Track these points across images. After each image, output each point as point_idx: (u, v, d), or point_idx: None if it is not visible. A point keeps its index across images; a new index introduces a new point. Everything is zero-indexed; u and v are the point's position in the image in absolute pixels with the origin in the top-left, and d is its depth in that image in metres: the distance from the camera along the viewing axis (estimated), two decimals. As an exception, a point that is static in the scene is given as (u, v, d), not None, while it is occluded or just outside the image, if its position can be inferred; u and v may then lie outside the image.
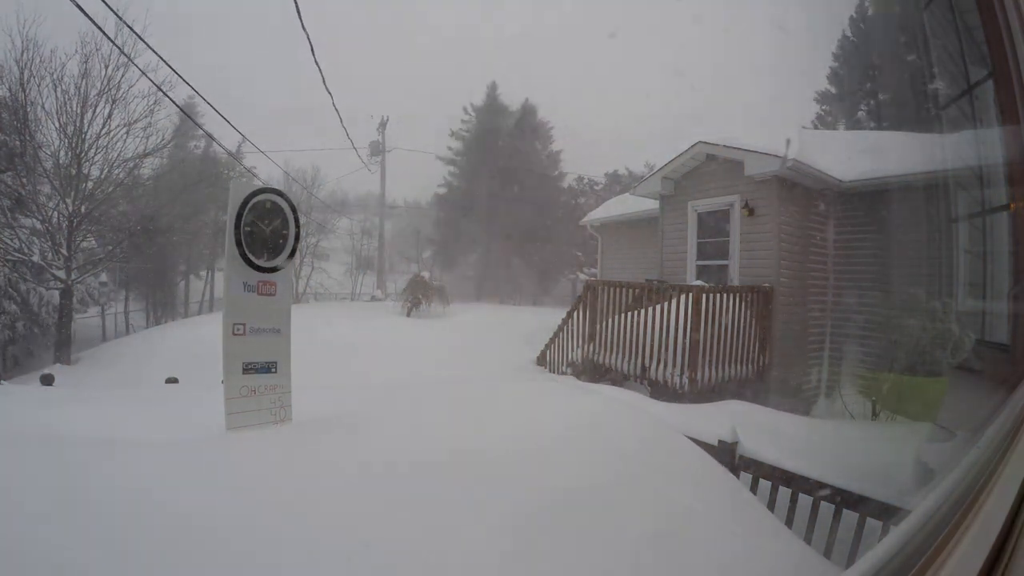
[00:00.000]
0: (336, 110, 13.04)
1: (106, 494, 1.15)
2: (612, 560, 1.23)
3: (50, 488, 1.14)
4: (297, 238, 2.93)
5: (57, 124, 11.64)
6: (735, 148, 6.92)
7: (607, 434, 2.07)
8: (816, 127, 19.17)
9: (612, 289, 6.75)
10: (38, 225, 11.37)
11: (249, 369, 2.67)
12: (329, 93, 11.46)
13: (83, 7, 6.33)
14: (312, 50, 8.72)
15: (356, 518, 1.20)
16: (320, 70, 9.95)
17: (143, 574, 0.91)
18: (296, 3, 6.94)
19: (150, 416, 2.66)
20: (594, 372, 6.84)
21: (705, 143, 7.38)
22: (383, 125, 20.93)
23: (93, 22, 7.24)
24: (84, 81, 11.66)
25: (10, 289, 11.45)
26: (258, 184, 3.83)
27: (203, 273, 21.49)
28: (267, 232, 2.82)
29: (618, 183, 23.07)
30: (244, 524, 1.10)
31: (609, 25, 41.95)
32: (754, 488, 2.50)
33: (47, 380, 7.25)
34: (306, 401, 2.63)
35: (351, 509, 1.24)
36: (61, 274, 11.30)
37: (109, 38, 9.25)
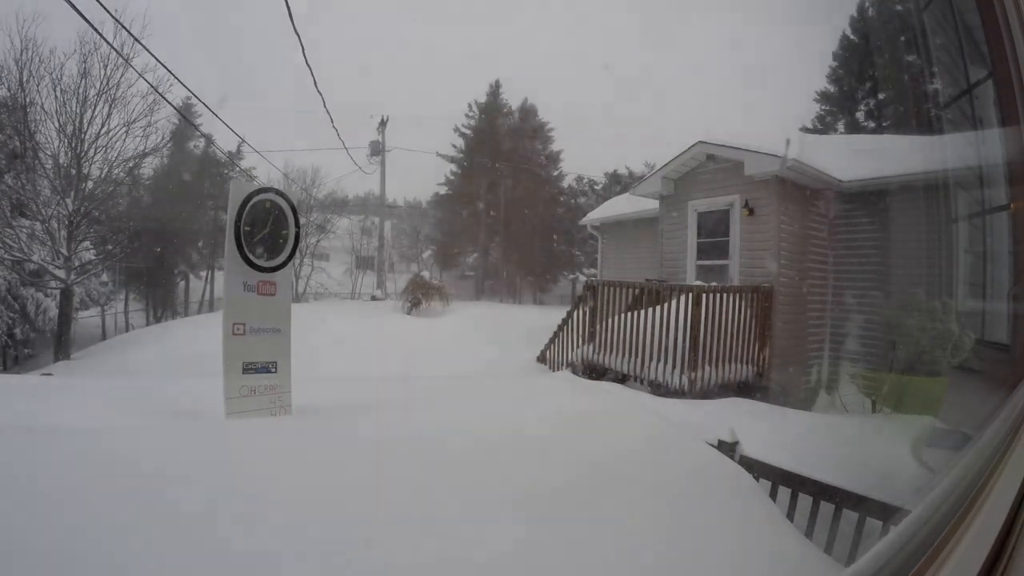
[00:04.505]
0: (327, 112, 13.02)
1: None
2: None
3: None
4: (297, 238, 2.94)
5: (57, 124, 11.65)
6: (735, 148, 6.93)
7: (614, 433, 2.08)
8: (816, 127, 19.18)
9: (612, 289, 6.75)
10: (38, 225, 11.36)
11: (249, 369, 2.68)
12: (320, 94, 11.43)
13: (81, 9, 6.32)
14: (303, 51, 8.74)
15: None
16: (311, 71, 9.94)
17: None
18: (288, 5, 6.95)
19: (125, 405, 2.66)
20: (594, 371, 6.85)
21: (705, 143, 7.38)
22: (383, 125, 20.90)
23: (92, 26, 7.25)
24: (83, 81, 11.67)
25: (9, 295, 11.46)
26: (258, 184, 3.83)
27: (203, 273, 21.47)
28: (267, 232, 2.83)
29: (618, 183, 23.06)
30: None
31: (610, 24, 41.92)
32: (754, 488, 2.50)
33: (47, 380, 7.24)
34: (309, 394, 2.64)
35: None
36: (61, 274, 11.30)
37: (108, 42, 9.25)
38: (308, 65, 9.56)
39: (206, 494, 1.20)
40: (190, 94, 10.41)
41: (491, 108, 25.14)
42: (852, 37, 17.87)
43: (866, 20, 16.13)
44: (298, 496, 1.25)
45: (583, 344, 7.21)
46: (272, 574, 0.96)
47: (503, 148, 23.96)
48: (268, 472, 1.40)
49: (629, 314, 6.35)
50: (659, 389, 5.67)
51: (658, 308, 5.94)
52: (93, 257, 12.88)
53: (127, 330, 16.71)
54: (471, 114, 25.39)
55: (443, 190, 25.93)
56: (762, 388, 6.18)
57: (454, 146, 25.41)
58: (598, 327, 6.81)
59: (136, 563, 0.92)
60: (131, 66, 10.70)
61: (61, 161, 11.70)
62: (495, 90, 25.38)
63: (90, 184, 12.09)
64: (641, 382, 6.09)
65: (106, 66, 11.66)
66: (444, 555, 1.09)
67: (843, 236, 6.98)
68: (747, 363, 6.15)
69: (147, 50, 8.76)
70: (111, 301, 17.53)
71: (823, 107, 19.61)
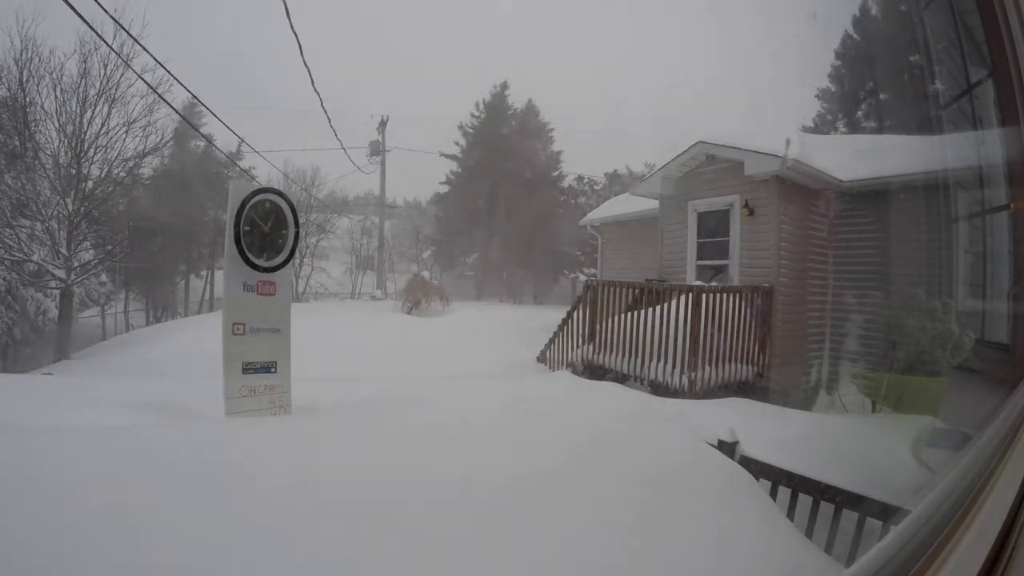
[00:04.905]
0: (325, 111, 13.07)
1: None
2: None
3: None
4: (297, 238, 2.94)
5: (56, 124, 11.65)
6: (735, 148, 6.93)
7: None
8: (817, 126, 19.19)
9: (612, 289, 6.75)
10: (38, 225, 11.37)
11: (249, 369, 2.68)
12: (317, 94, 11.51)
13: (80, 10, 6.32)
14: (301, 51, 8.78)
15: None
16: (309, 71, 9.97)
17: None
18: (285, 4, 6.98)
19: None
20: (594, 371, 6.84)
21: (705, 143, 7.38)
22: (383, 125, 20.91)
23: (92, 28, 7.26)
24: (83, 81, 11.68)
25: (9, 297, 11.46)
26: (258, 184, 3.82)
27: (203, 273, 21.47)
28: (266, 232, 2.82)
29: (618, 183, 23.09)
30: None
31: (609, 23, 41.93)
32: (754, 488, 2.50)
33: (47, 380, 7.24)
34: (308, 393, 2.63)
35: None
36: (61, 274, 11.30)
37: (107, 43, 9.26)
38: (306, 65, 9.58)
39: (203, 492, 1.20)
40: (191, 95, 10.44)
41: (496, 108, 25.13)
42: (853, 36, 17.86)
43: (866, 20, 16.13)
44: (295, 494, 1.25)
45: (583, 344, 7.21)
46: (271, 572, 0.95)
47: (505, 148, 23.97)
48: (266, 471, 1.40)
49: (629, 314, 6.35)
50: (659, 389, 5.67)
51: (658, 308, 5.94)
52: (92, 257, 12.88)
53: (127, 330, 16.72)
54: (477, 113, 25.36)
55: (443, 189, 25.95)
56: (762, 388, 6.18)
57: (457, 144, 25.39)
58: (598, 327, 6.81)
59: (132, 562, 0.92)
60: (130, 67, 10.73)
61: (61, 161, 11.70)
62: (501, 91, 25.35)
63: (90, 184, 12.10)
64: (641, 382, 6.09)
65: (106, 66, 11.69)
66: (444, 556, 1.09)
67: (843, 236, 6.98)
68: (747, 363, 6.15)
69: (146, 51, 8.79)
70: (111, 301, 17.52)
71: (824, 106, 19.62)
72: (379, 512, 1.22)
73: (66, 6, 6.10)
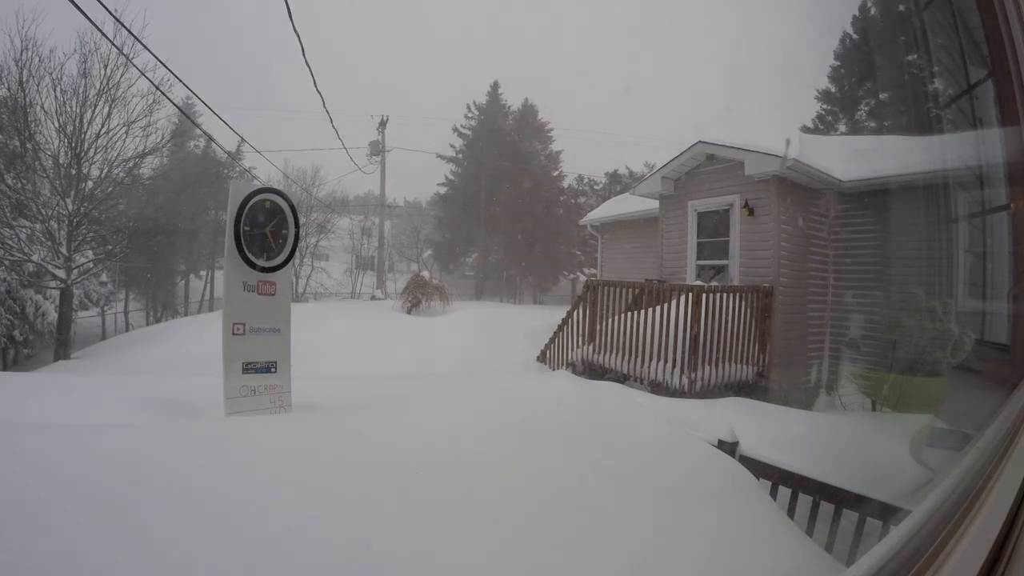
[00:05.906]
0: (327, 111, 13.06)
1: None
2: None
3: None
4: (297, 238, 2.94)
5: (56, 124, 11.63)
6: (735, 148, 6.93)
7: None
8: (817, 126, 19.18)
9: (612, 289, 6.75)
10: (38, 226, 11.35)
11: (249, 369, 2.68)
12: (319, 93, 11.49)
13: (82, 8, 6.32)
14: (303, 51, 8.77)
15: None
16: (311, 71, 9.95)
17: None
18: (287, 4, 6.97)
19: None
20: (594, 371, 6.84)
21: (705, 143, 7.38)
22: (383, 125, 20.89)
23: (94, 24, 7.26)
24: (83, 80, 11.66)
25: (9, 299, 11.45)
26: (258, 184, 3.82)
27: (203, 273, 21.48)
28: (267, 232, 2.82)
29: (618, 183, 23.09)
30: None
31: (609, 23, 41.96)
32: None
33: (47, 380, 7.23)
34: (308, 392, 2.63)
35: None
36: (61, 274, 11.29)
37: (110, 39, 9.27)
38: (308, 65, 9.58)
39: (200, 489, 1.20)
40: (190, 93, 10.41)
41: (490, 109, 25.18)
42: (853, 36, 17.84)
43: (866, 19, 16.12)
44: (295, 492, 1.25)
45: (583, 344, 7.21)
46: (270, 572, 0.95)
47: (503, 148, 23.99)
48: (264, 468, 1.40)
49: (629, 314, 6.35)
50: (659, 389, 5.67)
51: (658, 308, 5.94)
52: (92, 258, 12.86)
53: (127, 330, 16.72)
54: (470, 115, 25.44)
55: (443, 190, 25.97)
56: (762, 388, 6.18)
57: (452, 147, 25.45)
58: (598, 327, 6.81)
59: (130, 560, 0.92)
60: (133, 64, 10.71)
61: (61, 161, 11.69)
62: (494, 91, 25.43)
63: (90, 184, 12.09)
64: (641, 382, 6.09)
65: (106, 66, 11.66)
66: (444, 554, 1.09)
67: (843, 236, 6.98)
68: (747, 363, 6.15)
69: (147, 49, 8.75)
70: (111, 301, 17.51)
71: (824, 106, 19.59)
72: (375, 509, 1.22)
73: (66, 5, 6.09)
